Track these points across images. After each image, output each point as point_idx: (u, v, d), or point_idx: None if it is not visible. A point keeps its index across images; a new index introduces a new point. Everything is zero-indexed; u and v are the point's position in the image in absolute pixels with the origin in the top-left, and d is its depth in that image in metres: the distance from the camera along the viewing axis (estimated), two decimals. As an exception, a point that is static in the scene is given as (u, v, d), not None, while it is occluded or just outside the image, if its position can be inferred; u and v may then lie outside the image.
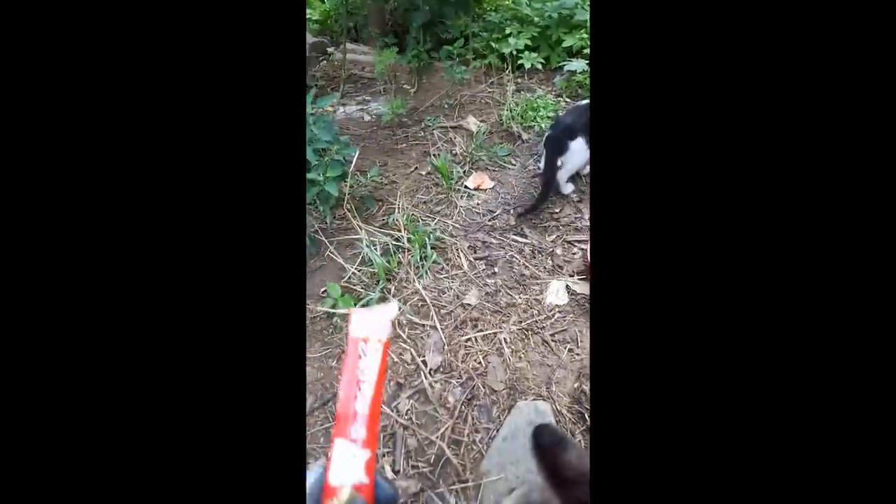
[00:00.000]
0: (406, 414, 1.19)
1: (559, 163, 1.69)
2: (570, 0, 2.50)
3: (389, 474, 1.07)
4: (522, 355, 1.30)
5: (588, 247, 1.54)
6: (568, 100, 2.34)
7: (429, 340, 1.36)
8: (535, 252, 1.62)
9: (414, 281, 1.52)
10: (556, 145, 1.68)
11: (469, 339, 1.35)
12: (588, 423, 1.13)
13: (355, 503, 0.34)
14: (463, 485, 1.05)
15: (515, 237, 1.67)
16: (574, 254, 1.60)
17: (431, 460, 1.09)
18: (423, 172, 2.01)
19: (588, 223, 1.69)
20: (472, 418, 1.17)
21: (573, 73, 2.33)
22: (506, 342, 1.33)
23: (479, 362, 1.28)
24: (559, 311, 1.40)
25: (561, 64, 2.44)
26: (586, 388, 1.21)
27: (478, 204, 1.83)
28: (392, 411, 1.19)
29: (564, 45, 2.48)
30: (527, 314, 1.40)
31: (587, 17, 2.42)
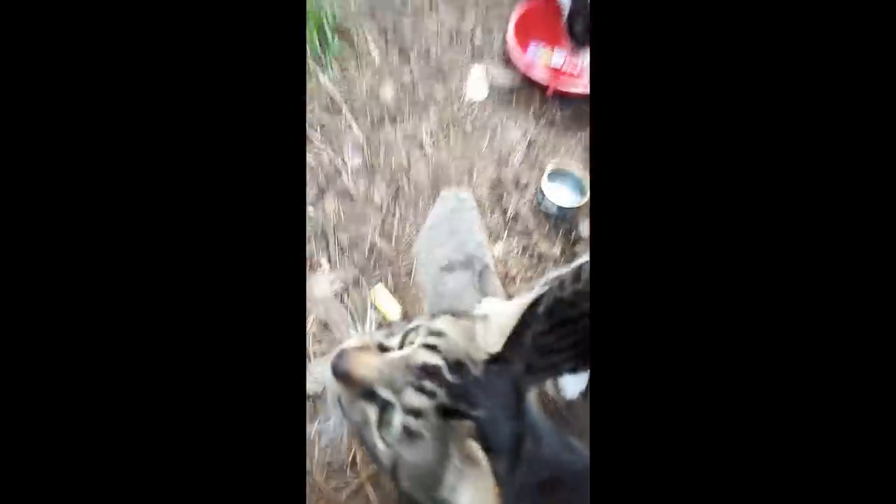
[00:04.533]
0: (333, 214, 1.20)
1: None
2: None
3: (326, 267, 1.14)
4: (444, 148, 1.30)
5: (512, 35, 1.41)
6: None
7: (346, 139, 1.29)
8: (452, 36, 1.46)
9: (317, 74, 1.34)
10: None
11: (389, 137, 1.30)
12: (503, 205, 1.25)
13: None
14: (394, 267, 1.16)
15: (427, 20, 1.48)
16: (493, 37, 1.48)
17: (365, 254, 1.17)
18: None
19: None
20: (400, 213, 1.22)
21: None
22: (428, 135, 1.31)
23: (401, 159, 1.27)
24: (478, 105, 1.37)
25: None
26: (502, 175, 1.28)
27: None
28: (319, 213, 1.20)
29: None
30: (446, 111, 1.35)
31: None
